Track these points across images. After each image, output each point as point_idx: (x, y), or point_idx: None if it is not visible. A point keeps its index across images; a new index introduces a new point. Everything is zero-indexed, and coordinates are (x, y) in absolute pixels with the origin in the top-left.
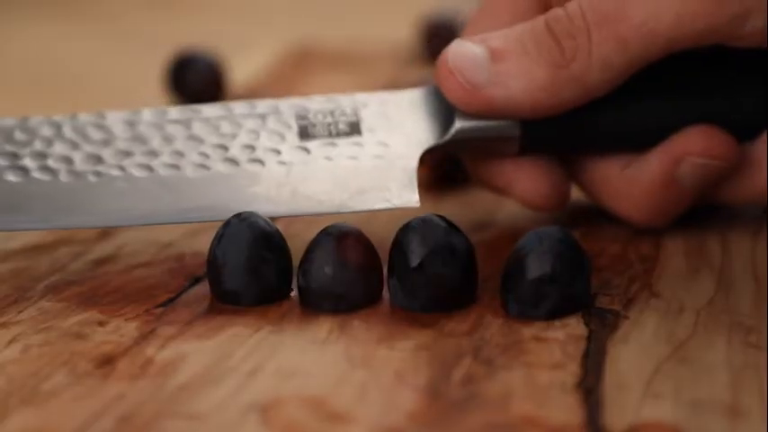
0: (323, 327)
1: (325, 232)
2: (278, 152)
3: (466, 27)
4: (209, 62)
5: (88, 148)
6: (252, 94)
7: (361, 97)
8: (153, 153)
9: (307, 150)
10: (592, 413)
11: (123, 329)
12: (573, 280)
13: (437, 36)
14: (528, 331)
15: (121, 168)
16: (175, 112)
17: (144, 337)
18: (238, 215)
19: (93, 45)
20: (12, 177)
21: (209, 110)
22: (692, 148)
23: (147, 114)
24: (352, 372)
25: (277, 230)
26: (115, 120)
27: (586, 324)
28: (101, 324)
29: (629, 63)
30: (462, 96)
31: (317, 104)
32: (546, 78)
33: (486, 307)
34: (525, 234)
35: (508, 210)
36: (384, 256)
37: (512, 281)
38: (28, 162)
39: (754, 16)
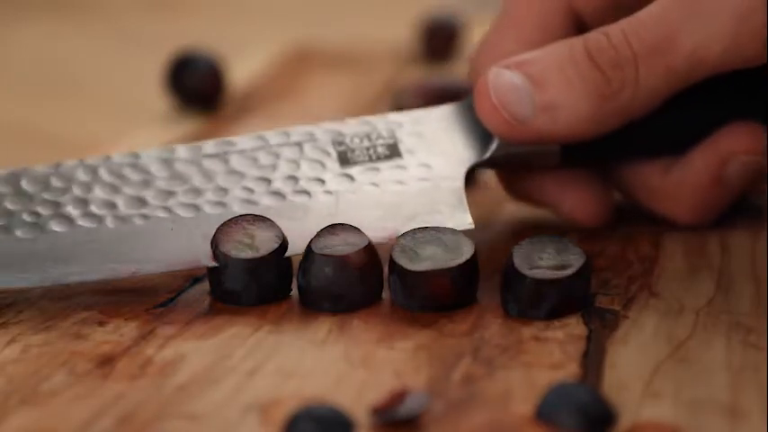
0: (322, 327)
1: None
2: (322, 181)
3: (486, 37)
4: (209, 62)
5: (129, 191)
6: (252, 94)
7: (394, 117)
8: (195, 191)
9: (351, 177)
10: None
11: (123, 329)
12: (573, 280)
13: (437, 36)
14: (528, 331)
15: (167, 209)
16: (210, 146)
17: (144, 336)
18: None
19: (93, 45)
20: (57, 227)
21: (244, 142)
22: (738, 147)
23: (182, 151)
24: (351, 372)
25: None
26: (150, 159)
27: (586, 324)
28: (101, 324)
29: (675, 88)
30: (507, 131)
31: (351, 128)
32: (592, 110)
33: (486, 307)
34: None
35: (508, 210)
36: (384, 255)
37: (512, 281)
38: (71, 210)
39: None
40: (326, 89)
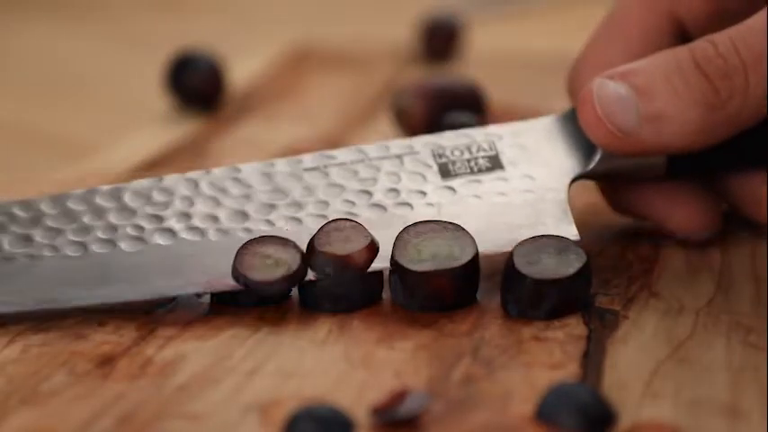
0: (322, 327)
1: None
2: (423, 193)
3: (587, 48)
4: (210, 62)
5: (231, 204)
6: (252, 94)
7: (493, 129)
8: (297, 204)
9: (452, 190)
10: None
11: (123, 329)
12: (573, 280)
13: (437, 36)
14: (528, 331)
15: (269, 223)
16: (309, 159)
17: (143, 337)
18: None
19: (93, 45)
20: (160, 240)
21: (344, 155)
22: None
23: (281, 164)
24: (351, 372)
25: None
26: (251, 172)
27: (586, 324)
28: (101, 324)
29: None
30: (611, 142)
31: (451, 141)
32: (700, 121)
33: (486, 307)
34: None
35: None
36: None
37: (512, 281)
38: (173, 223)
39: None
40: (326, 89)
